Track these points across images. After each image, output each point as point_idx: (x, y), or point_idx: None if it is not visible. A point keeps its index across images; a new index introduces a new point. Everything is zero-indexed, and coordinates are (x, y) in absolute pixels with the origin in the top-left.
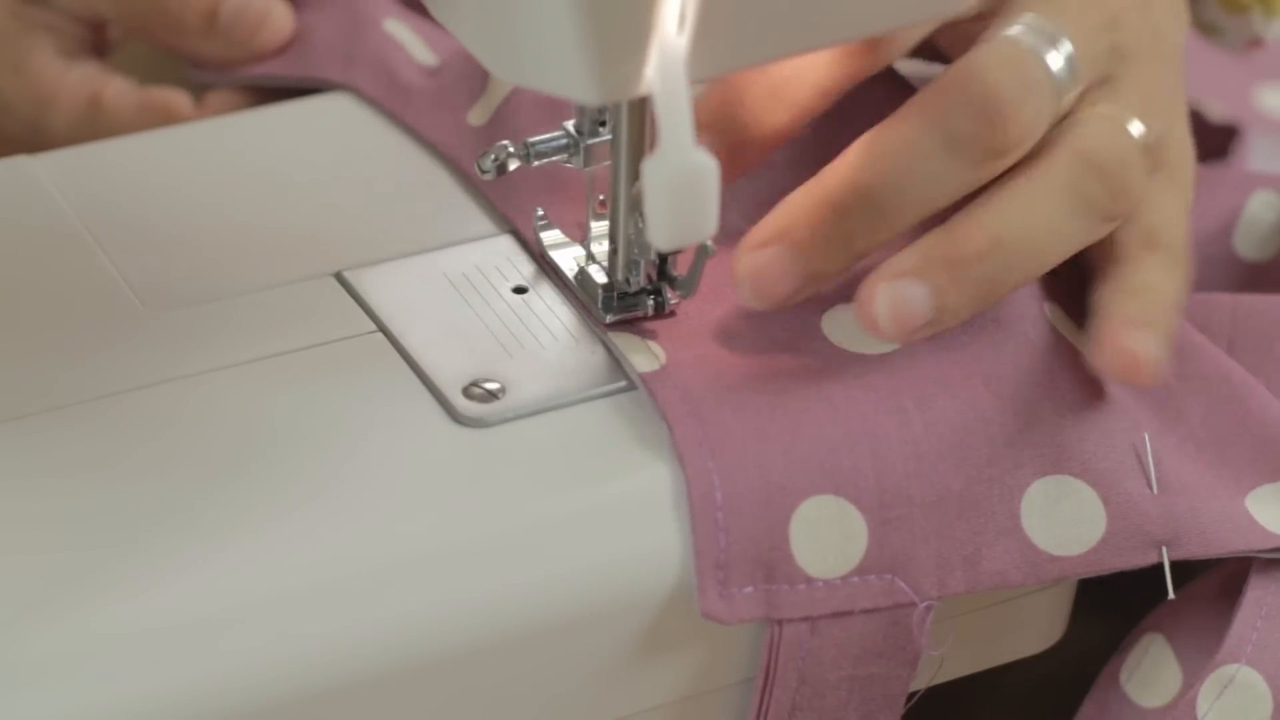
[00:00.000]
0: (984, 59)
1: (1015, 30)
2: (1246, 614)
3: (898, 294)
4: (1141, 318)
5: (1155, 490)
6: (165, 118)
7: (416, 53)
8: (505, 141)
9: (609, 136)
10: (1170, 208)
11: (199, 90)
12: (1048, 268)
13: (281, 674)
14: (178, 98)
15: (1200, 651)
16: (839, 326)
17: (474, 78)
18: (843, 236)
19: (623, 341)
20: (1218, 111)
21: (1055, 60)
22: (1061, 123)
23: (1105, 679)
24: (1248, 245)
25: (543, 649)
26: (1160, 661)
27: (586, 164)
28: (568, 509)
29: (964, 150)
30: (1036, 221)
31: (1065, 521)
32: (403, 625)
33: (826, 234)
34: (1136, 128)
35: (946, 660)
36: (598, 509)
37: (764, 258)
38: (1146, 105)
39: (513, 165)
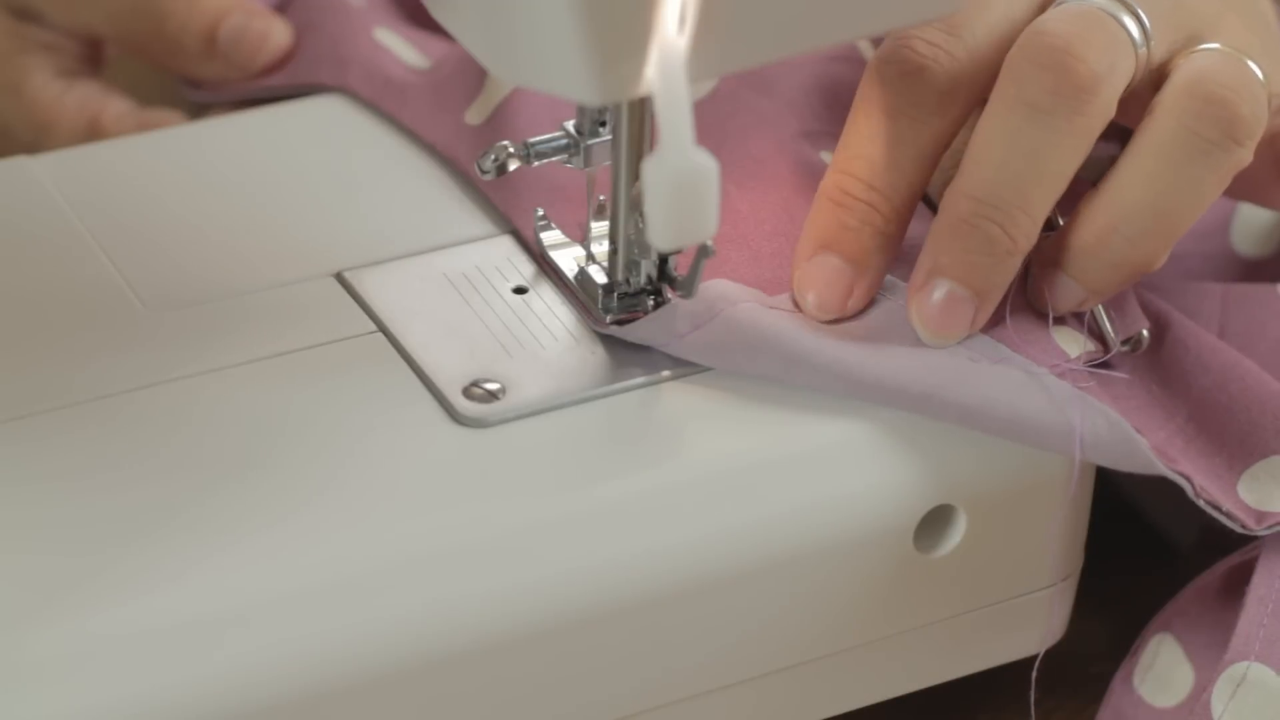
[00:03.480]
0: (1043, 20)
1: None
2: (1252, 611)
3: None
4: None
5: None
6: None
7: (408, 58)
8: (505, 141)
9: (609, 136)
10: None
11: (195, 109)
12: (1187, 223)
13: (282, 674)
14: (176, 120)
15: (1210, 647)
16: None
17: (470, 77)
18: (988, 246)
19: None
20: None
21: (1119, 11)
22: (1163, 81)
23: (1119, 684)
24: (1245, 242)
25: (541, 649)
26: (1172, 661)
27: (586, 164)
28: (567, 509)
29: (1047, 111)
30: (1152, 183)
31: None
32: (403, 625)
33: (973, 250)
34: (1244, 58)
35: (947, 660)
36: (598, 509)
37: (931, 298)
38: (1246, 47)
39: (513, 165)
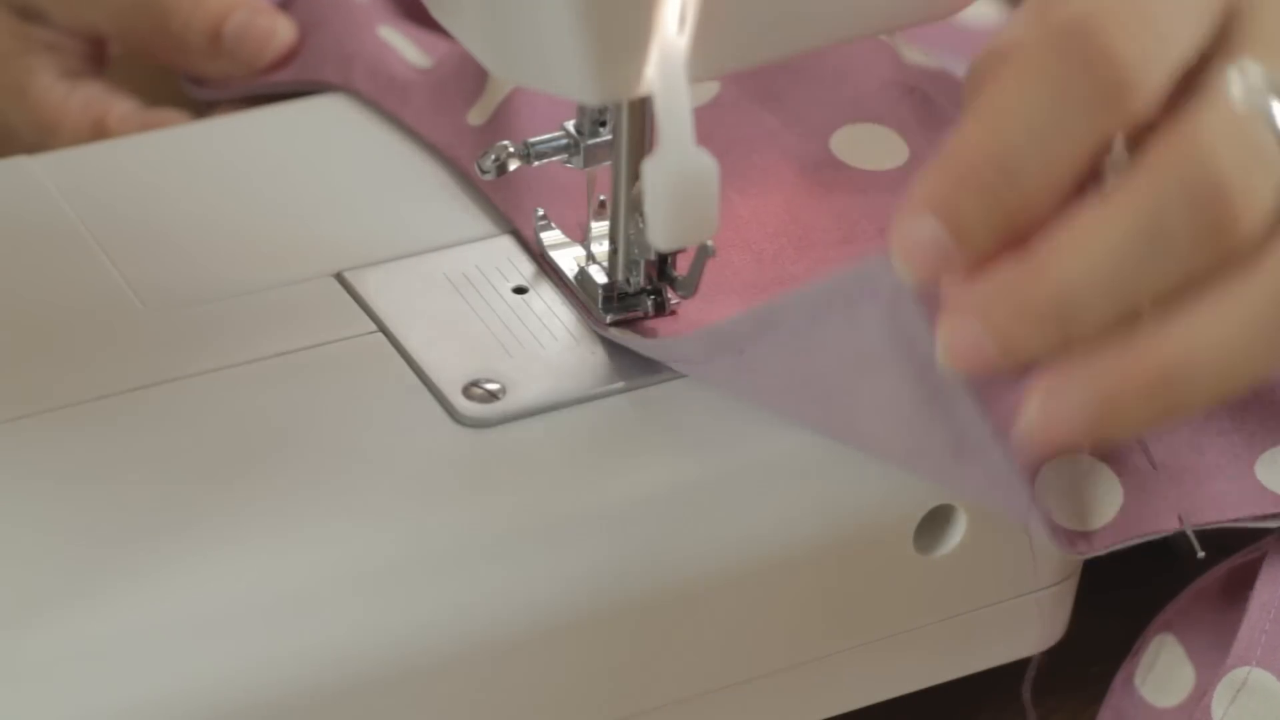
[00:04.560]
0: (1202, 132)
1: (1237, 88)
2: (1254, 617)
3: (1048, 404)
4: None
5: (1155, 467)
6: None
7: (411, 57)
8: (505, 141)
9: (609, 136)
10: None
11: (200, 109)
12: (1251, 382)
13: (280, 674)
14: (180, 120)
15: (1211, 648)
16: None
17: (472, 77)
18: (991, 197)
19: (618, 334)
20: None
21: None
22: None
23: (1120, 684)
24: None
25: (542, 650)
26: (1173, 661)
27: (586, 164)
28: (567, 509)
29: (1188, 241)
30: (1237, 336)
31: (1082, 499)
32: (402, 626)
33: (973, 195)
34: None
35: (947, 660)
36: (597, 509)
37: (915, 233)
38: None
39: (513, 165)
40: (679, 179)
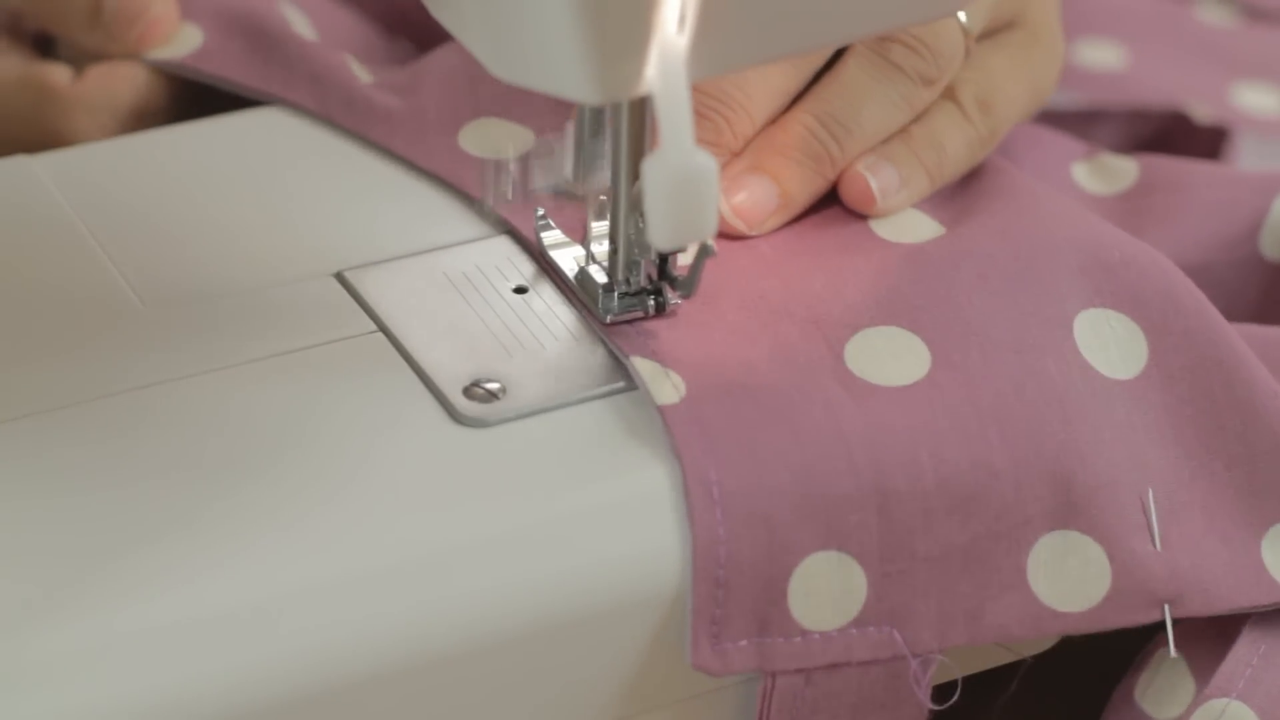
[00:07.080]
0: None
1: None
2: (1242, 650)
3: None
4: (890, 154)
5: (1159, 546)
6: (41, 92)
7: (301, 29)
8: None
9: (609, 136)
10: (997, 69)
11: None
12: (875, 135)
13: (281, 673)
14: (56, 71)
15: (1214, 664)
16: (860, 355)
17: (452, 104)
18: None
19: (644, 368)
20: (1204, 114)
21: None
22: None
23: (1119, 698)
24: (1275, 247)
25: (543, 649)
26: (1175, 676)
27: (586, 165)
28: (568, 509)
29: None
30: (852, 96)
31: (1071, 578)
32: (403, 625)
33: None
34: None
35: (948, 661)
36: (598, 509)
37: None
38: None
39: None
40: (679, 179)
